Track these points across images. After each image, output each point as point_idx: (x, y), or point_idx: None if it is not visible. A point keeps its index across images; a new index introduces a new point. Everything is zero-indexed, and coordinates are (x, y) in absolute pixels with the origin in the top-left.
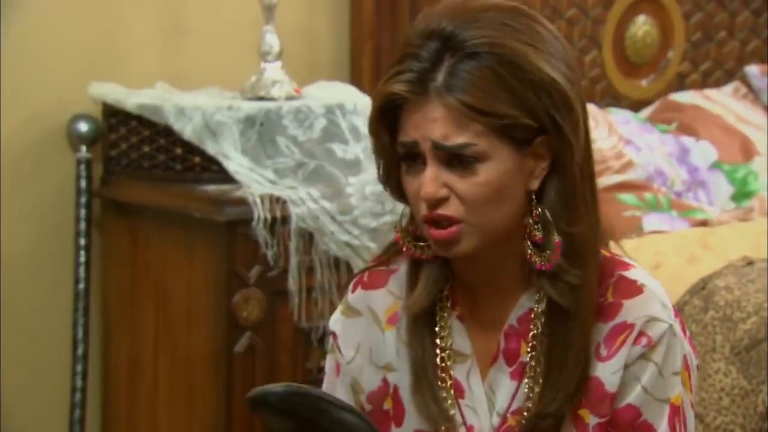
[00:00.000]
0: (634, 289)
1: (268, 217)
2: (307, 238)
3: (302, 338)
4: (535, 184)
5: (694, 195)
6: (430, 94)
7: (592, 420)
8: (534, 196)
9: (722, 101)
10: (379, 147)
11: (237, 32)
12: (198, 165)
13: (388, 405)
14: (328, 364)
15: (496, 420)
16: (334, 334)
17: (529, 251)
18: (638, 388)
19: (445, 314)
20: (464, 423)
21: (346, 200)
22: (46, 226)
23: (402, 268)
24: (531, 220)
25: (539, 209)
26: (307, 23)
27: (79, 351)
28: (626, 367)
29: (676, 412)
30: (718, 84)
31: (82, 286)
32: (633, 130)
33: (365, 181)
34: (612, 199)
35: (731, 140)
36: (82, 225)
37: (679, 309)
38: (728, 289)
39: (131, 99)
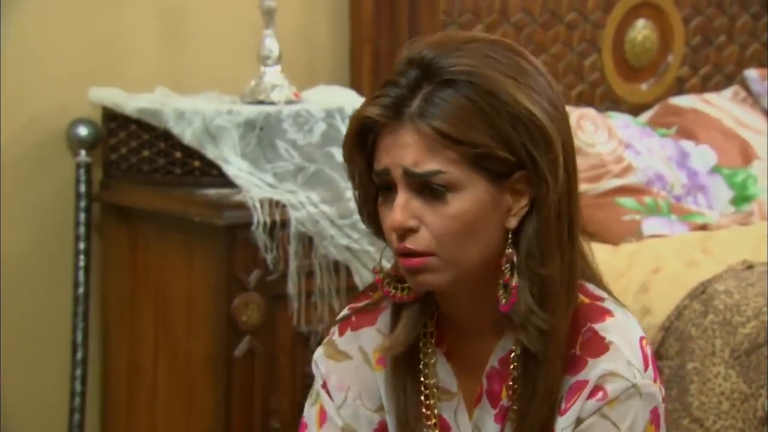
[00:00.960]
0: (601, 346)
1: (268, 221)
2: (307, 242)
3: (302, 342)
4: (512, 222)
5: (694, 199)
6: (404, 119)
7: None
8: (511, 235)
9: (722, 105)
10: (355, 175)
11: (236, 36)
12: (198, 169)
13: None
14: (311, 414)
15: None
16: (322, 380)
17: (500, 291)
18: None
19: (430, 350)
20: None
21: (345, 204)
22: (46, 230)
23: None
24: (505, 259)
25: (510, 249)
26: (307, 27)
27: (79, 355)
28: (580, 421)
29: None
30: (717, 88)
31: (81, 290)
32: (632, 134)
33: None
34: (612, 204)
35: (731, 144)
36: (82, 229)
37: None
38: (728, 293)
39: (131, 103)
